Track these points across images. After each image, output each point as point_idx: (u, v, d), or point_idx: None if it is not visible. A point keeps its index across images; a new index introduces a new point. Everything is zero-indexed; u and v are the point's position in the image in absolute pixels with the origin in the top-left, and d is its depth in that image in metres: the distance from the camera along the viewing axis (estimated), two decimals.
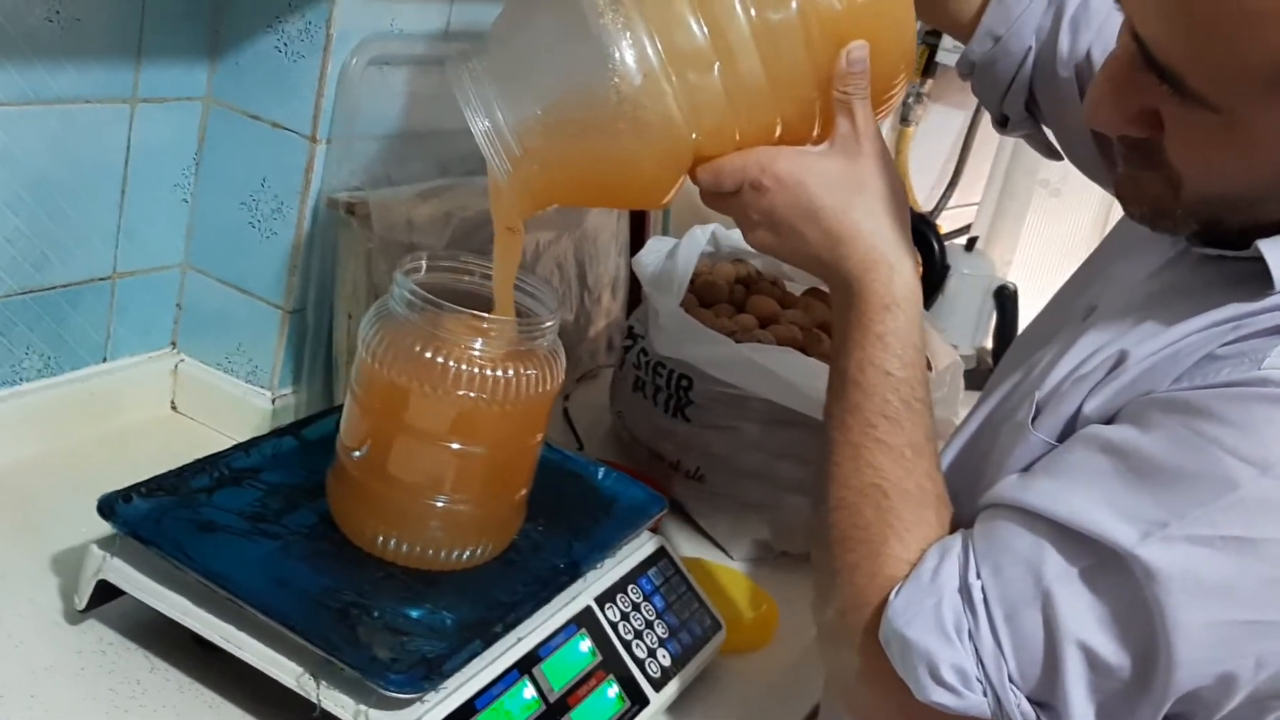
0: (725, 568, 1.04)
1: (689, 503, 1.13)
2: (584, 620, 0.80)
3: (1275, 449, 0.52)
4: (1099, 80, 0.59)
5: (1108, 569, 0.56)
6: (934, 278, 1.68)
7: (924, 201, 2.08)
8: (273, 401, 1.03)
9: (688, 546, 1.10)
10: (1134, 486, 0.56)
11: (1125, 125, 0.59)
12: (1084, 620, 0.56)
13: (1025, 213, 2.05)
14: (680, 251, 1.18)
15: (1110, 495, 0.56)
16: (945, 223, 2.11)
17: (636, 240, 1.41)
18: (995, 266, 1.79)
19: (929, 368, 1.21)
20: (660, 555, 0.91)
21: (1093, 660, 0.56)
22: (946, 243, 1.76)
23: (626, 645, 0.82)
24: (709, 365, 1.05)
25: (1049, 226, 2.19)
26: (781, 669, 0.96)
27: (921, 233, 1.68)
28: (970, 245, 1.78)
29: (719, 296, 1.22)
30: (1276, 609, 0.53)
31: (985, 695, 0.59)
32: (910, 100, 1.95)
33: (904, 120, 1.98)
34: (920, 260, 1.70)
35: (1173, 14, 0.53)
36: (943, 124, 2.08)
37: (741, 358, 1.04)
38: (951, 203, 2.09)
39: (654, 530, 0.96)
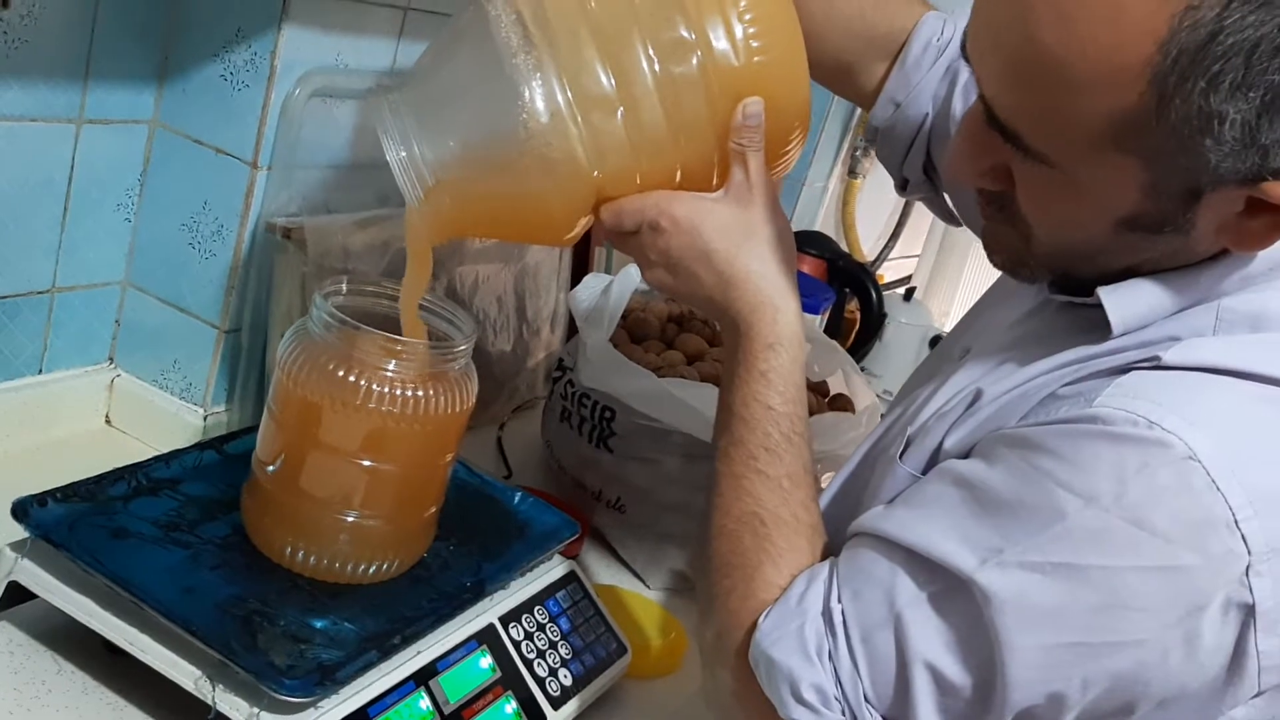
0: (638, 595, 1.07)
1: (610, 532, 1.16)
2: (485, 637, 0.83)
3: (1100, 482, 0.56)
4: (956, 136, 0.64)
5: (953, 594, 0.59)
6: (871, 325, 1.73)
7: (868, 252, 2.14)
8: (204, 419, 1.06)
9: (606, 575, 1.13)
10: (978, 516, 0.59)
11: (980, 179, 0.63)
12: (931, 642, 0.60)
13: (963, 266, 2.11)
14: (614, 288, 1.22)
15: (957, 524, 0.60)
16: (888, 273, 2.17)
17: (579, 277, 1.45)
18: (932, 316, 1.85)
19: (850, 409, 1.25)
20: (570, 579, 0.94)
21: (939, 680, 0.60)
22: (886, 292, 1.81)
23: (528, 663, 0.85)
24: (631, 397, 1.08)
25: (986, 280, 2.25)
26: (687, 694, 0.99)
27: (860, 281, 1.73)
28: (908, 295, 1.83)
29: (650, 333, 1.26)
30: (1099, 633, 0.57)
31: (844, 714, 0.62)
32: (858, 154, 2.01)
33: (851, 173, 2.04)
34: (859, 306, 1.75)
35: (1007, 77, 0.58)
36: (888, 178, 2.13)
37: (662, 391, 1.07)
38: (894, 254, 2.15)
39: (572, 556, 0.99)
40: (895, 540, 0.62)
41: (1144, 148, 0.56)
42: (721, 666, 0.68)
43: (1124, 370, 0.60)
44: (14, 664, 0.76)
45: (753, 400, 0.69)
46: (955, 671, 0.59)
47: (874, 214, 2.14)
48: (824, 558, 0.68)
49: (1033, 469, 0.58)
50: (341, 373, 0.75)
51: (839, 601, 0.63)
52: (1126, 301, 0.61)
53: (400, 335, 0.78)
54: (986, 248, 0.68)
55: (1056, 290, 0.67)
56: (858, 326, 1.77)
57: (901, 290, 1.88)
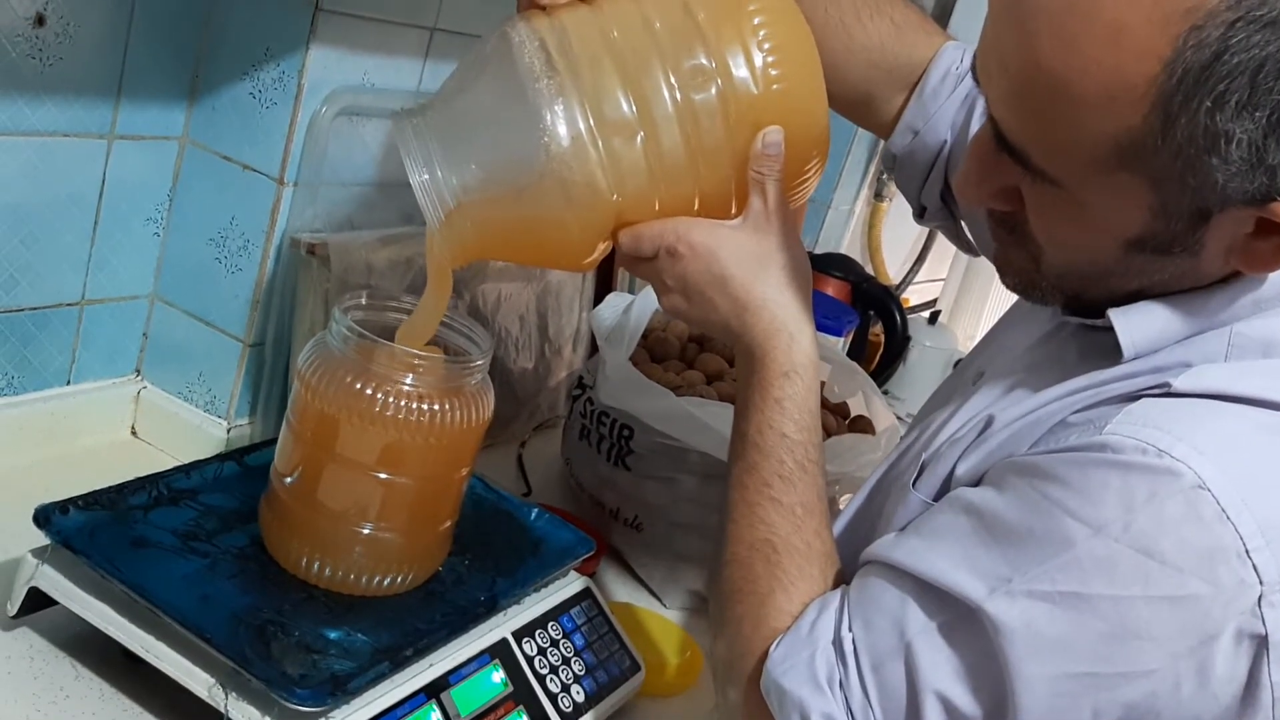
0: (654, 614, 1.07)
1: (627, 551, 1.16)
2: (498, 651, 0.83)
3: (1107, 510, 0.55)
4: (966, 158, 0.64)
5: (963, 623, 0.59)
6: (894, 348, 1.73)
7: (894, 275, 2.13)
8: (228, 431, 1.07)
9: (624, 593, 1.13)
10: (988, 545, 0.59)
11: (990, 200, 0.63)
12: (942, 672, 0.59)
13: (989, 290, 2.10)
14: (635, 307, 1.22)
15: (967, 553, 0.60)
16: (913, 296, 2.16)
17: (602, 296, 1.45)
18: (957, 340, 1.84)
19: (871, 431, 1.25)
20: (585, 596, 0.94)
21: (950, 710, 0.59)
22: (911, 316, 1.81)
23: (540, 679, 0.85)
24: (649, 416, 1.09)
25: (1010, 304, 2.25)
26: (701, 714, 0.99)
27: (884, 304, 1.73)
28: (933, 319, 1.83)
29: (670, 353, 1.26)
30: (1109, 663, 0.56)
31: None
32: (884, 177, 2.01)
33: (878, 196, 2.04)
34: (883, 329, 1.75)
35: (1014, 98, 0.58)
36: None
37: (680, 411, 1.07)
38: (920, 277, 2.15)
39: (589, 574, 0.99)
40: (905, 569, 0.62)
41: (1150, 168, 0.56)
42: (733, 691, 0.68)
43: (1134, 397, 0.60)
44: (33, 669, 0.78)
45: (767, 428, 0.69)
46: (966, 701, 0.59)
47: (900, 237, 2.14)
48: (837, 585, 0.68)
49: (1042, 497, 0.57)
50: (359, 386, 0.76)
51: (850, 630, 0.63)
52: (1137, 324, 0.61)
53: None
54: (999, 270, 0.68)
55: (1068, 312, 0.67)
56: (881, 350, 1.76)
57: (926, 314, 1.88)
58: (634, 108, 0.71)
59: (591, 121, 0.70)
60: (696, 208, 0.74)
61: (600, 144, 0.70)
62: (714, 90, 0.71)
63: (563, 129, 0.70)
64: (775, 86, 0.72)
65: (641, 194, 0.72)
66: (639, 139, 0.71)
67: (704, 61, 0.71)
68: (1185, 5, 0.52)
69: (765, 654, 0.65)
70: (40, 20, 0.87)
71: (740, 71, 0.71)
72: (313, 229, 1.04)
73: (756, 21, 0.71)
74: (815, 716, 0.62)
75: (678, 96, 0.71)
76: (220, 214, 1.04)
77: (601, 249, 0.75)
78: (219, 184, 1.03)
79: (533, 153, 0.70)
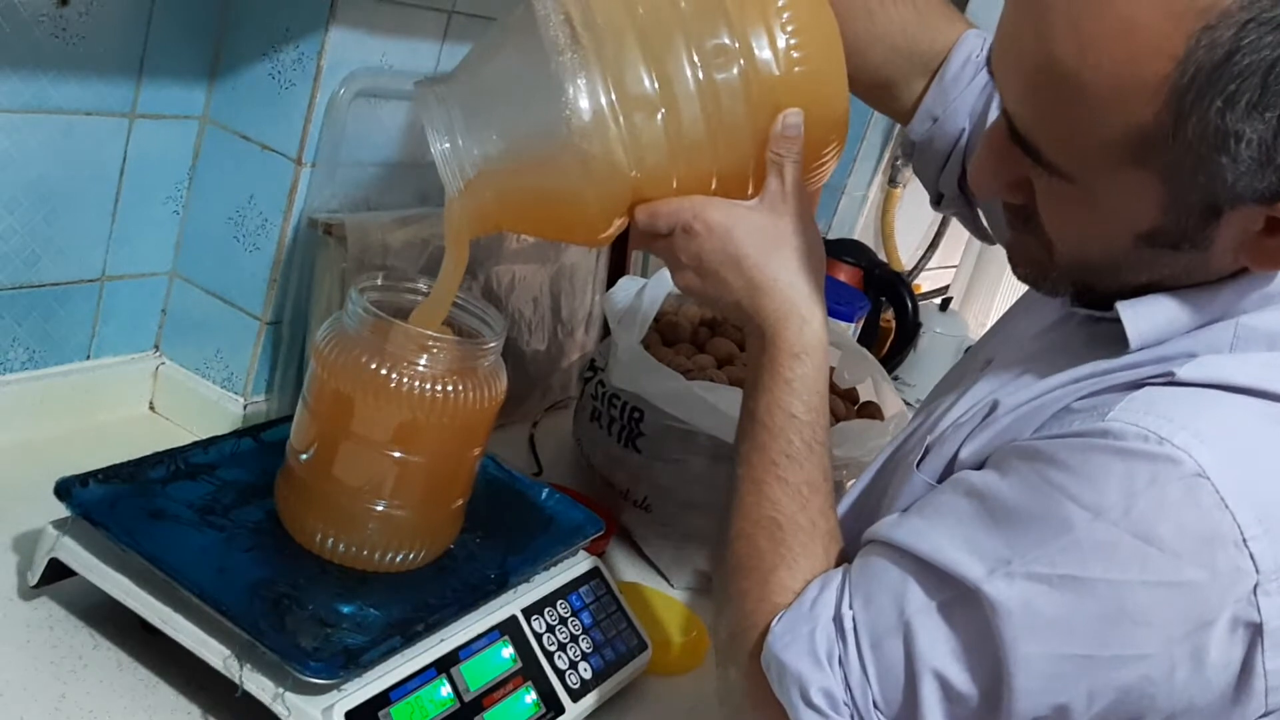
0: (661, 593, 1.08)
1: (636, 530, 1.17)
2: (508, 628, 0.85)
3: (1108, 495, 0.56)
4: (980, 149, 0.65)
5: (962, 603, 0.60)
6: (906, 334, 1.73)
7: (906, 261, 2.14)
8: (245, 407, 1.08)
9: (631, 572, 1.14)
10: (989, 527, 0.60)
11: (1003, 192, 0.64)
12: (940, 651, 0.60)
13: (1001, 277, 2.10)
14: (648, 291, 1.23)
15: (968, 534, 0.60)
16: (925, 283, 2.17)
17: (615, 279, 1.46)
18: (968, 327, 1.84)
19: (879, 416, 1.26)
20: (593, 575, 0.95)
21: (947, 689, 0.60)
22: (923, 302, 1.81)
23: (549, 655, 0.86)
24: (659, 399, 1.10)
25: (1022, 292, 2.24)
26: (706, 692, 1.00)
27: (896, 290, 1.73)
28: (945, 305, 1.83)
29: (681, 336, 1.27)
30: (1105, 645, 0.57)
31: (851, 719, 0.63)
32: (899, 163, 2.01)
33: (892, 182, 2.04)
34: (894, 315, 1.76)
35: (1027, 92, 0.59)
36: None
37: (690, 394, 1.08)
38: (932, 263, 2.15)
39: (598, 553, 1.00)
40: (907, 549, 0.63)
41: (1161, 164, 0.56)
42: (734, 667, 0.69)
43: (1138, 385, 0.60)
44: (52, 639, 0.79)
45: (776, 408, 0.70)
46: (962, 680, 0.60)
47: (913, 224, 2.14)
48: (840, 563, 0.69)
49: (1043, 481, 0.58)
50: (374, 365, 0.77)
51: (850, 608, 0.64)
52: (1144, 316, 0.62)
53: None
54: (1011, 260, 0.69)
55: (1078, 304, 0.68)
56: (892, 336, 1.77)
57: (938, 300, 1.88)
58: (656, 84, 0.71)
59: (613, 96, 0.71)
60: (714, 187, 0.74)
61: (621, 119, 0.71)
62: (736, 70, 0.72)
63: (584, 103, 0.70)
64: (797, 69, 0.72)
65: (660, 171, 0.73)
66: (660, 116, 0.71)
67: (727, 41, 0.71)
68: (1199, 5, 0.52)
69: (767, 629, 0.66)
70: (63, 0, 0.88)
71: (763, 52, 0.72)
72: (330, 209, 1.05)
73: (781, 3, 0.72)
74: (814, 691, 0.63)
75: (700, 75, 0.71)
76: (239, 193, 1.05)
77: (618, 224, 0.75)
78: (238, 163, 1.04)
79: (554, 125, 0.71)
